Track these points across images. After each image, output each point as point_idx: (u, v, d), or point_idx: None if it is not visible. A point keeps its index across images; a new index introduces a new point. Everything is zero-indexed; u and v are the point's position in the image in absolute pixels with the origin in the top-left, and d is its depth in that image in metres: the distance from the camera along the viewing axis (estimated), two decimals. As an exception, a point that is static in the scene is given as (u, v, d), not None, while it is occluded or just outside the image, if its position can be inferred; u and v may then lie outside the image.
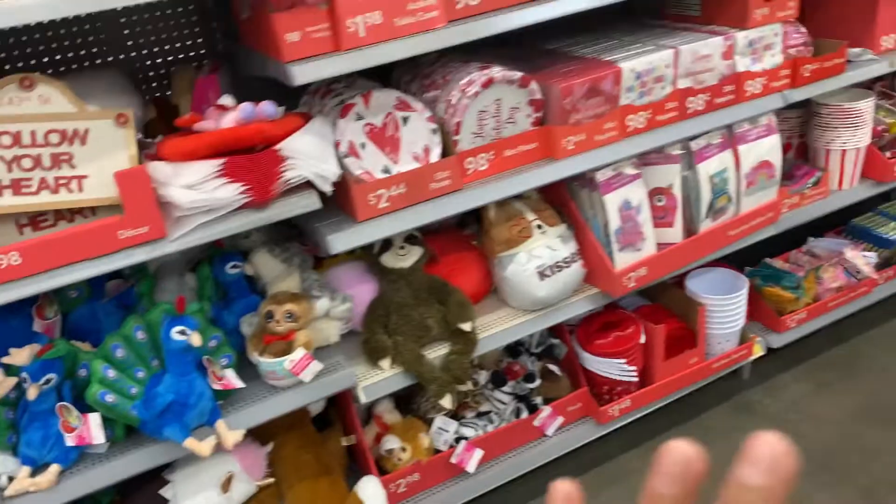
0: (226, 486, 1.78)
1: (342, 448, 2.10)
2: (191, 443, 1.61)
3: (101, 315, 1.73)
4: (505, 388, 2.19)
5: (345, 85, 1.86)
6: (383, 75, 2.08)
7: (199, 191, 1.47)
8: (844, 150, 2.43)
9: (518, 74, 1.79)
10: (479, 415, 2.20)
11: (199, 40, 2.06)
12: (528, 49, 2.20)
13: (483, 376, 2.20)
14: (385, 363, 1.89)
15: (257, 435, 1.95)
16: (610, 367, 2.20)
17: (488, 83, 1.76)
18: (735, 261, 2.71)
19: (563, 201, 2.11)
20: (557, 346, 2.30)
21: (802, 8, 2.42)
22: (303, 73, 1.49)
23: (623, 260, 2.06)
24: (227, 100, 1.57)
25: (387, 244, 1.95)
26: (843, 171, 2.48)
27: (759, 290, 2.58)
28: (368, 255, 1.97)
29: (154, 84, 2.04)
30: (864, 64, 2.33)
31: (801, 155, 2.62)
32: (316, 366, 1.73)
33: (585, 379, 2.27)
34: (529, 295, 1.99)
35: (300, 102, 1.95)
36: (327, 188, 1.60)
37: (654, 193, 2.13)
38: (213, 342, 1.75)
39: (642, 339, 2.21)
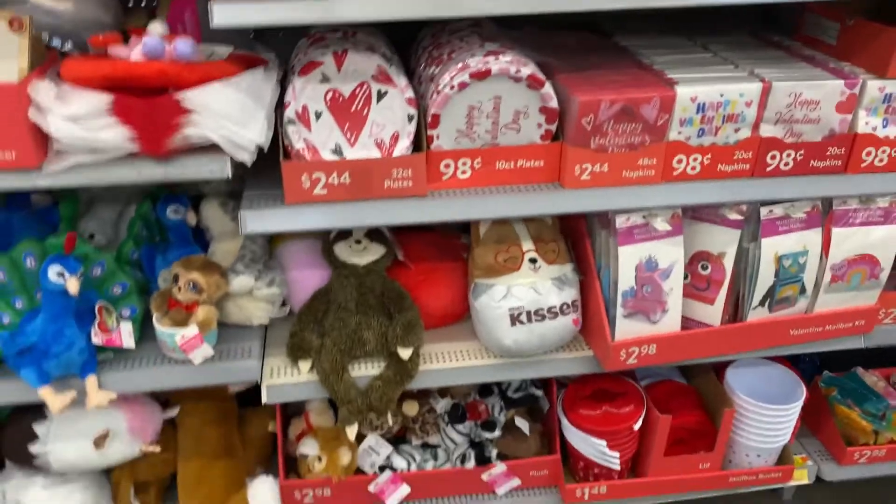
0: (100, 441, 1.63)
1: (267, 432, 1.89)
2: (45, 392, 1.46)
3: (16, 225, 1.59)
4: (460, 427, 1.87)
5: (340, 35, 1.56)
6: (413, 29, 1.74)
7: (82, 126, 1.25)
8: None
9: (527, 70, 1.39)
10: (425, 446, 1.90)
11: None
12: (592, 40, 1.76)
13: (442, 404, 1.89)
14: (304, 365, 1.63)
15: (166, 394, 1.79)
16: (587, 446, 1.80)
17: (482, 75, 1.38)
18: (819, 358, 2.18)
19: (578, 236, 1.71)
20: (540, 399, 1.93)
21: None
22: (223, 14, 1.20)
23: (627, 329, 1.63)
24: (157, 27, 1.33)
25: (345, 232, 1.67)
26: None
27: (831, 405, 2.03)
28: (324, 240, 1.69)
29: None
30: None
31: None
32: (206, 350, 1.51)
33: (562, 446, 1.89)
34: (494, 338, 1.63)
35: (296, 46, 1.67)
36: (244, 157, 1.33)
37: (700, 258, 1.67)
38: (117, 289, 1.57)
39: (637, 425, 1.79)
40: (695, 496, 1.96)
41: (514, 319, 1.60)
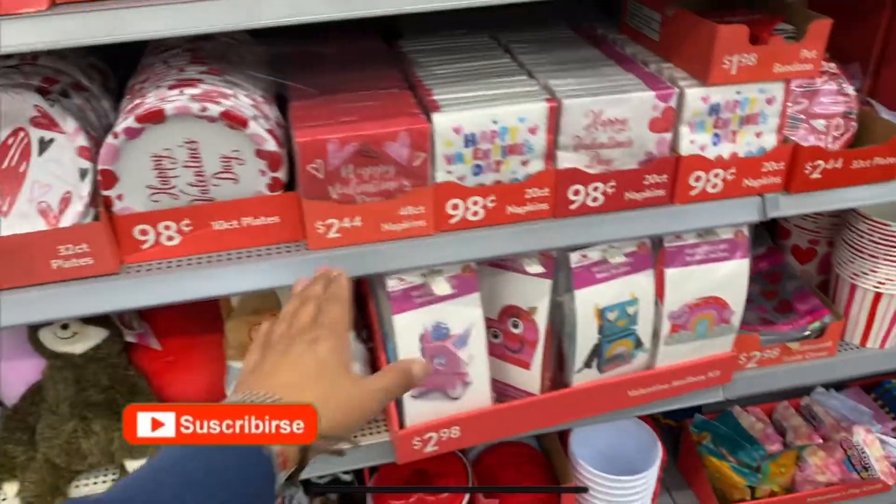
0: None
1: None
2: None
3: None
4: (251, 527, 1.53)
5: (16, 61, 1.18)
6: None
7: None
8: (879, 294, 1.51)
9: (218, 108, 1.04)
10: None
11: None
12: (364, 47, 1.41)
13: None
14: (10, 488, 1.27)
15: None
16: (400, 541, 1.49)
17: (155, 117, 1.02)
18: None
19: (363, 299, 1.37)
20: (350, 484, 1.61)
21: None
22: None
23: (420, 412, 1.31)
24: None
25: (50, 314, 1.30)
26: (871, 323, 1.56)
27: (701, 456, 1.74)
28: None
29: None
30: (943, 169, 1.37)
31: (826, 270, 1.70)
32: None
33: (379, 537, 1.57)
34: (254, 434, 1.29)
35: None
36: None
37: (509, 313, 1.35)
38: None
39: (457, 514, 1.48)
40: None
41: (273, 412, 1.26)
